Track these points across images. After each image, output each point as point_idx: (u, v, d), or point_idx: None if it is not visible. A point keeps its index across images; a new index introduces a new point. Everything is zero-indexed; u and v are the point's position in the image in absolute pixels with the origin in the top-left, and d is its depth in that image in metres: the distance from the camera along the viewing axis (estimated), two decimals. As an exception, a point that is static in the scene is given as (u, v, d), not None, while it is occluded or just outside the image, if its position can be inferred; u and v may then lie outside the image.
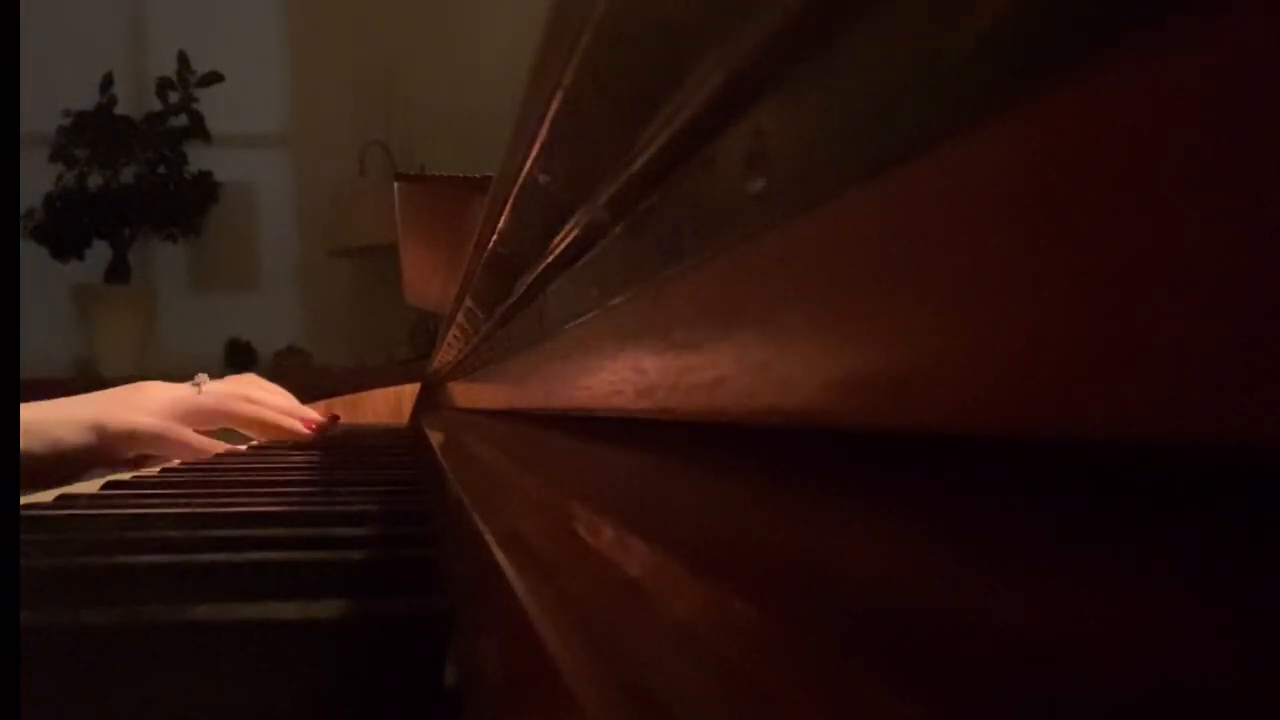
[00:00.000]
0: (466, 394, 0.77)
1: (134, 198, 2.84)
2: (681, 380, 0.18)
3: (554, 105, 0.22)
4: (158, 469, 0.78)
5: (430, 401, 1.26)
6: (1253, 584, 0.07)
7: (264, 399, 1.05)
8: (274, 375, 1.14)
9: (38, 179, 2.73)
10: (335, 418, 1.14)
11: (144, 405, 0.93)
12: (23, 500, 0.53)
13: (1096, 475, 0.09)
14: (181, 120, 2.93)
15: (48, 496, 0.57)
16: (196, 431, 0.97)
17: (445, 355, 0.93)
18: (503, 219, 0.34)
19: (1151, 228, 0.07)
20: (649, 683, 0.12)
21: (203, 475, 0.71)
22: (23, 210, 2.67)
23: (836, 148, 0.11)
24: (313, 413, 1.09)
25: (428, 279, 1.19)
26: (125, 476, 0.71)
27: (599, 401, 0.25)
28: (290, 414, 1.06)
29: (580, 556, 0.19)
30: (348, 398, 1.82)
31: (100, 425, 0.87)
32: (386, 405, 1.81)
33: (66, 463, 0.84)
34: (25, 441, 0.81)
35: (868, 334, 0.11)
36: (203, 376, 1.02)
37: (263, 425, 1.04)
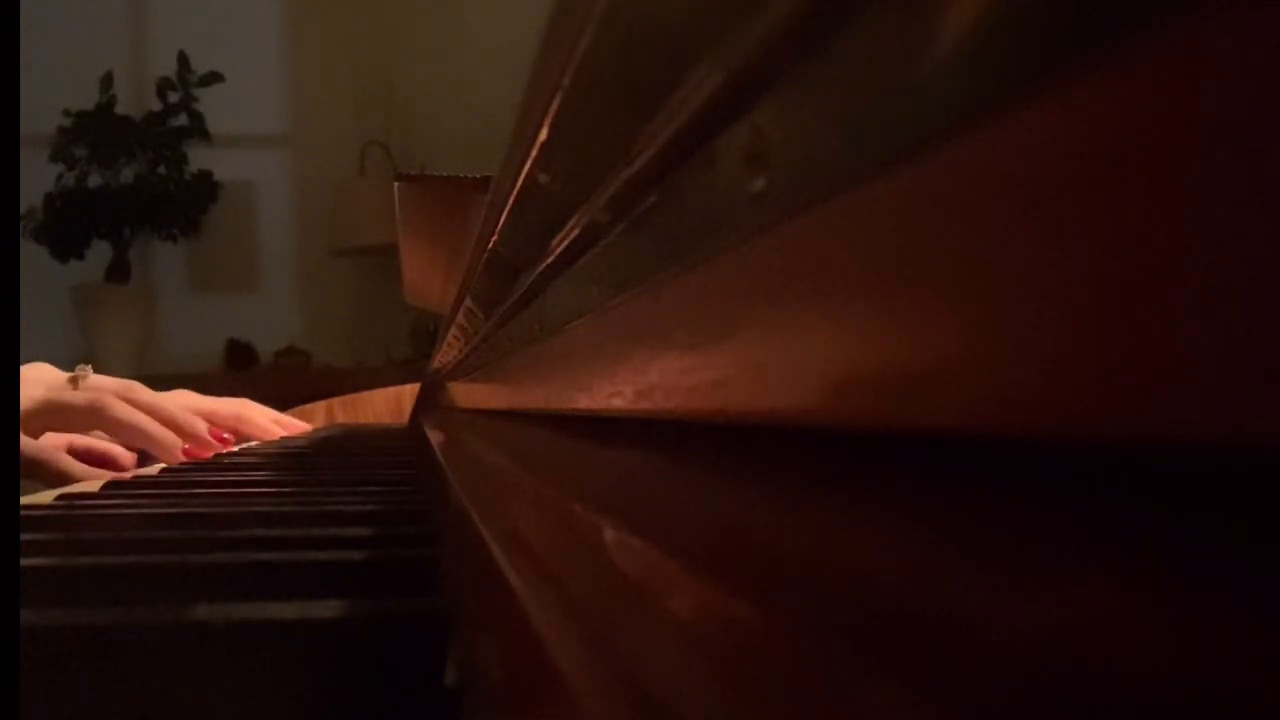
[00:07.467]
0: (466, 394, 0.77)
1: (134, 198, 2.84)
2: (681, 380, 0.18)
3: (554, 105, 0.22)
4: (157, 469, 0.78)
5: (430, 401, 1.26)
6: (1253, 584, 0.07)
7: (151, 403, 0.88)
8: (274, 375, 1.12)
9: (38, 179, 2.73)
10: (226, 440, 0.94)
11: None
12: (23, 500, 0.53)
13: (1097, 475, 0.09)
14: (181, 120, 2.93)
15: (48, 497, 0.57)
16: (71, 443, 0.85)
17: (445, 355, 0.93)
18: (503, 219, 0.34)
19: (1150, 227, 0.07)
20: (649, 683, 0.12)
21: (202, 475, 0.71)
22: (23, 210, 2.67)
23: (837, 147, 0.11)
24: (205, 435, 0.90)
25: (428, 279, 1.19)
26: (126, 476, 0.71)
27: (599, 402, 0.25)
28: (180, 428, 0.88)
29: (580, 556, 0.19)
30: (347, 398, 1.82)
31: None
32: (386, 405, 1.81)
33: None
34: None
35: (868, 334, 0.11)
36: (84, 369, 0.88)
37: (134, 433, 0.87)
